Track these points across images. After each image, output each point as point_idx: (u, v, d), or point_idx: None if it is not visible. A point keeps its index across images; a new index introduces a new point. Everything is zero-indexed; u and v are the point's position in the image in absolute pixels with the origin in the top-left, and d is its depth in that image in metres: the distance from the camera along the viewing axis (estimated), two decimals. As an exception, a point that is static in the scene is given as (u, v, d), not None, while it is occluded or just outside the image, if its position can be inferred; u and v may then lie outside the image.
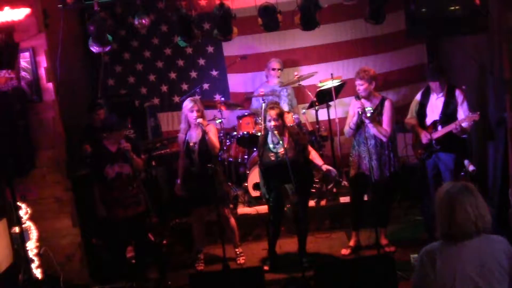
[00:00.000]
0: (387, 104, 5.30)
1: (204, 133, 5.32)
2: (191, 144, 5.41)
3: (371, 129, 5.24)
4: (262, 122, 6.23)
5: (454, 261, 2.64)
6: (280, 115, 5.12)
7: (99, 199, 5.12)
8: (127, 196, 5.12)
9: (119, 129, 5.12)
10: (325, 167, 5.27)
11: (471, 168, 5.59)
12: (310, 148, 5.37)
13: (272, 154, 5.19)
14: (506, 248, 2.68)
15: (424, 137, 5.39)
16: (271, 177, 5.23)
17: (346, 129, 5.46)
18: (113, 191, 5.09)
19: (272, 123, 5.10)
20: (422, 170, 5.66)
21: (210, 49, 7.53)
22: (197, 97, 5.80)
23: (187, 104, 5.39)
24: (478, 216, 2.65)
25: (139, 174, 5.32)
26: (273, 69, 7.00)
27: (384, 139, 5.26)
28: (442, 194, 2.74)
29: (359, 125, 5.27)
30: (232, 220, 5.64)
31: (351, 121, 5.35)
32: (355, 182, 5.53)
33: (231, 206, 6.29)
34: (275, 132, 5.11)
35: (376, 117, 5.28)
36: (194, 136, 5.43)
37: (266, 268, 5.33)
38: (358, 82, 5.27)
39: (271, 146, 5.23)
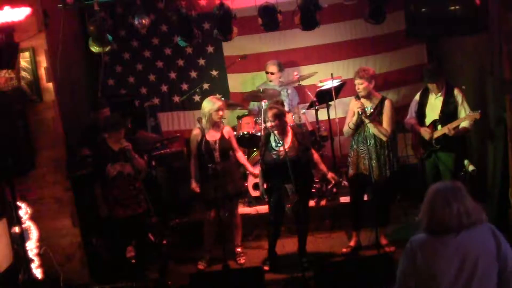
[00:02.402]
0: (387, 103, 5.30)
1: (223, 132, 5.48)
2: (211, 142, 5.39)
3: (371, 128, 5.24)
4: (262, 122, 6.24)
5: (434, 256, 2.66)
6: (277, 116, 5.10)
7: (102, 198, 5.12)
8: (127, 196, 5.12)
9: (118, 129, 5.11)
10: (330, 174, 5.33)
11: (471, 168, 5.59)
12: (313, 151, 5.38)
13: (274, 153, 5.20)
14: (492, 233, 2.70)
15: (426, 133, 5.39)
16: (272, 176, 5.24)
17: (346, 128, 5.46)
18: (114, 190, 5.09)
19: (269, 124, 5.13)
20: (422, 170, 5.67)
21: (210, 49, 7.54)
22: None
23: (215, 102, 5.40)
24: (463, 212, 2.65)
25: (140, 174, 5.31)
26: (266, 73, 7.00)
27: (384, 139, 5.26)
28: (430, 191, 2.77)
29: (359, 125, 5.27)
30: (239, 218, 5.69)
31: (351, 121, 5.35)
32: (354, 182, 5.54)
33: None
34: (275, 132, 5.13)
35: (376, 117, 5.28)
36: (214, 134, 5.44)
37: (266, 268, 5.33)
38: (357, 81, 5.27)
39: (273, 144, 5.24)
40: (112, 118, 5.35)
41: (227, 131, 5.54)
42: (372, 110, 5.28)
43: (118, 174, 5.08)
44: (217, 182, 5.27)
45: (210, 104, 5.41)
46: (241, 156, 5.68)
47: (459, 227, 2.65)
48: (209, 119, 5.40)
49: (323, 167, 5.34)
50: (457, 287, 2.63)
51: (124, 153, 5.05)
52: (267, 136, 5.33)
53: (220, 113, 5.39)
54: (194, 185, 5.49)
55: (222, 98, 7.21)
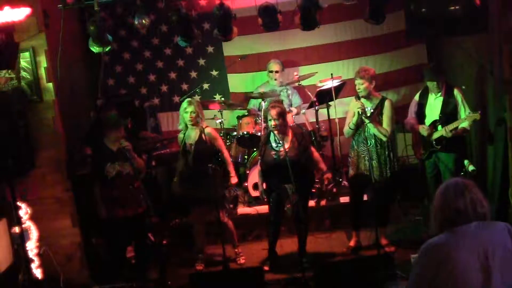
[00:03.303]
0: (387, 104, 5.30)
1: (202, 134, 5.34)
2: (187, 144, 5.40)
3: (371, 129, 5.24)
4: (263, 122, 6.24)
5: (456, 251, 2.64)
6: (281, 114, 5.12)
7: (101, 198, 5.12)
8: (127, 196, 5.12)
9: (117, 128, 5.11)
10: (327, 175, 5.34)
11: (471, 168, 5.59)
12: (313, 149, 5.38)
13: (274, 152, 5.20)
14: (508, 232, 2.69)
15: (424, 130, 5.40)
16: (271, 176, 5.24)
17: (346, 129, 5.46)
18: (113, 190, 5.09)
19: (272, 122, 5.11)
20: (422, 170, 5.67)
21: (210, 49, 7.54)
22: (196, 98, 5.71)
23: (185, 104, 5.39)
24: (476, 201, 2.67)
25: (139, 174, 5.32)
26: (270, 71, 7.00)
27: (384, 139, 5.26)
28: (439, 190, 2.78)
29: (359, 125, 5.27)
30: (230, 223, 5.62)
31: (351, 121, 5.35)
32: (354, 182, 5.54)
33: (231, 206, 6.29)
34: (275, 132, 5.12)
35: (376, 117, 5.28)
36: (192, 136, 5.42)
37: (266, 268, 5.33)
38: (358, 81, 5.27)
39: (273, 144, 5.23)
40: (111, 118, 5.34)
41: (207, 134, 5.40)
42: (372, 110, 5.28)
43: (117, 174, 5.08)
44: (189, 185, 5.38)
45: (182, 106, 5.42)
46: (226, 156, 5.56)
47: (474, 216, 2.66)
48: (183, 120, 5.40)
49: (323, 166, 5.34)
50: (481, 278, 2.61)
51: (123, 153, 5.04)
52: (268, 136, 5.33)
53: (191, 115, 5.31)
54: (173, 185, 5.61)
55: (222, 98, 7.28)
